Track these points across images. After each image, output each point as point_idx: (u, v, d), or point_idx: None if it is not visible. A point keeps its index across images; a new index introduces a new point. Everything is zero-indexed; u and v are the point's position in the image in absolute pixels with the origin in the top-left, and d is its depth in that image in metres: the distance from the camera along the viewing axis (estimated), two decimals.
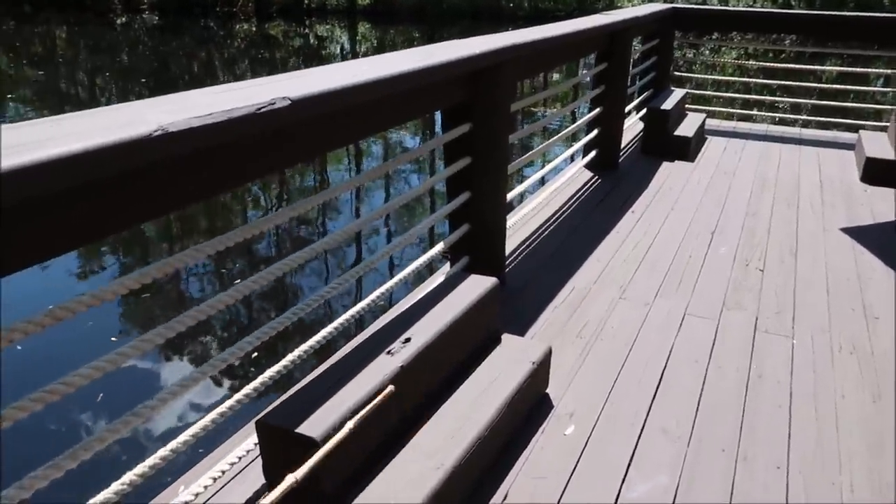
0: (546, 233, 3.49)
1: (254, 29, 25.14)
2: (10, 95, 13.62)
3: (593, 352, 2.42)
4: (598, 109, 4.43)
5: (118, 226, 1.27)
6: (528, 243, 3.35)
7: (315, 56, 20.67)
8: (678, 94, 5.47)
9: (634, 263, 3.17)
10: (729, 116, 6.63)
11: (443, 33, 24.83)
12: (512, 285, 2.92)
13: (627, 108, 5.45)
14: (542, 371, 2.09)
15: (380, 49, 22.45)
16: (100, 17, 26.28)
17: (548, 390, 2.18)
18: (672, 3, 6.66)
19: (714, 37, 13.41)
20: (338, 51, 22.06)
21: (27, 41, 22.06)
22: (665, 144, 4.97)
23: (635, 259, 3.21)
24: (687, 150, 4.93)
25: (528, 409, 2.04)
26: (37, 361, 3.48)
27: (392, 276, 2.43)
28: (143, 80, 16.27)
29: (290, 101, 1.46)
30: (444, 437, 1.67)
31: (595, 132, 4.45)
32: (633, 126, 5.52)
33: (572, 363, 2.35)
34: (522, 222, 3.54)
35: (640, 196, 4.13)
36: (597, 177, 4.45)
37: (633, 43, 4.90)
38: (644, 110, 5.34)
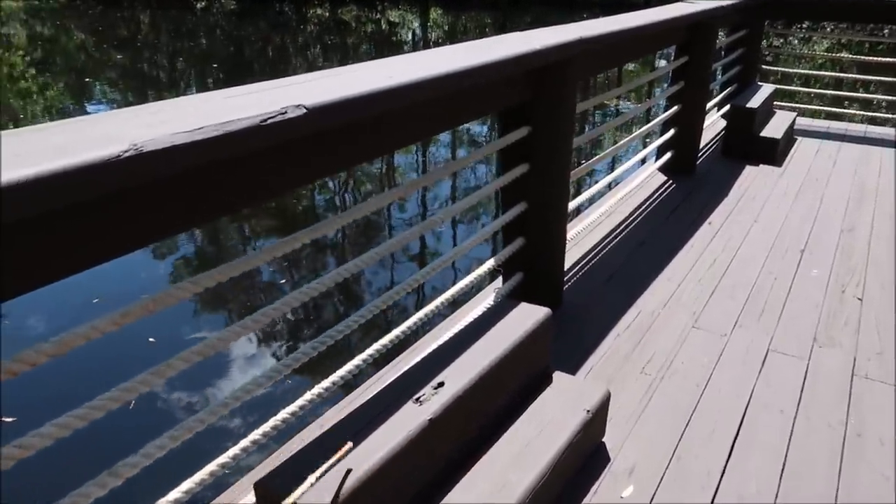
0: (611, 245, 3.18)
1: (327, 14, 25.28)
2: (93, 79, 14.17)
3: (659, 392, 2.12)
4: (675, 107, 4.05)
5: (98, 256, 1.07)
6: (590, 257, 3.05)
7: (386, 41, 20.60)
8: (766, 90, 5.00)
9: (710, 285, 2.82)
10: (821, 115, 6.07)
11: (515, 20, 24.33)
12: (570, 305, 2.63)
13: (708, 106, 5.02)
14: (598, 419, 1.82)
15: (451, 35, 22.20)
16: (181, 1, 26.97)
17: (604, 439, 1.90)
18: None
19: (805, 26, 12.49)
20: (409, 37, 21.92)
21: (112, 25, 22.85)
22: (749, 146, 4.54)
23: (711, 280, 2.87)
24: (774, 152, 4.48)
25: (580, 463, 1.78)
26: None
27: (430, 296, 2.18)
28: (216, 64, 16.58)
29: (305, 110, 1.24)
30: (479, 501, 1.43)
31: (671, 132, 4.07)
32: (714, 125, 5.09)
33: (634, 406, 2.06)
34: (585, 232, 3.23)
35: (718, 205, 3.74)
36: (671, 182, 4.08)
37: (719, 34, 4.48)
38: (727, 108, 4.90)
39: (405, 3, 27.19)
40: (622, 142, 3.56)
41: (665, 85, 4.22)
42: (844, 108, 7.07)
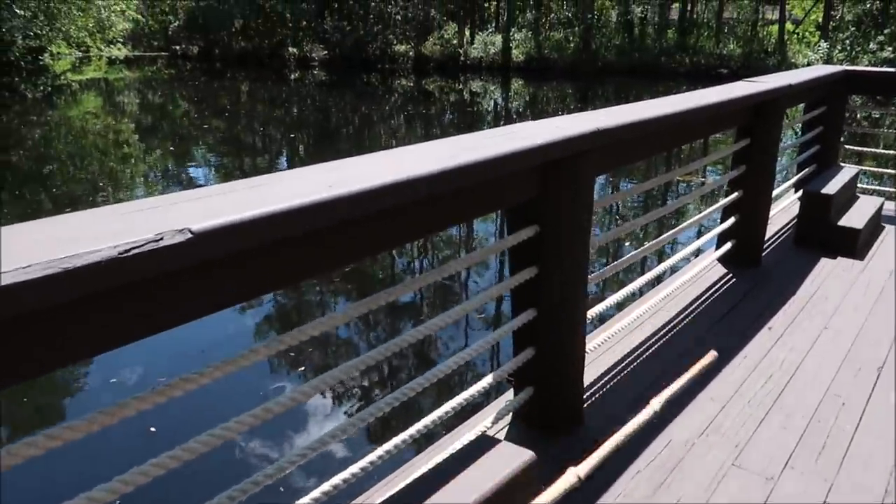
0: (647, 354, 2.81)
1: (411, 84, 26.11)
2: (194, 145, 15.16)
3: None
4: (736, 193, 3.68)
5: None
6: (621, 367, 2.70)
7: (467, 111, 20.93)
8: (848, 172, 4.53)
9: (761, 409, 2.41)
10: None
11: (597, 90, 24.28)
12: (592, 428, 2.29)
13: (783, 188, 4.60)
14: None
15: (532, 103, 22.30)
16: (276, 73, 28.65)
17: None
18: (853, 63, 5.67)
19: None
20: (491, 106, 22.21)
21: (214, 94, 24.45)
22: (826, 236, 4.07)
23: (763, 403, 2.46)
24: (854, 244, 4.00)
25: None
26: None
27: (420, 415, 1.91)
28: (306, 131, 17.38)
29: (190, 235, 1.05)
30: None
31: (731, 220, 3.69)
32: (788, 210, 4.64)
33: None
34: (619, 337, 2.88)
35: (784, 305, 3.31)
36: (731, 275, 3.67)
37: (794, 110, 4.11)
38: (800, 192, 4.46)
39: (487, 74, 27.76)
40: (668, 233, 3.22)
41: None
42: None
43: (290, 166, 13.28)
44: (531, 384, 2.24)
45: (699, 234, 4.18)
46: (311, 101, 22.79)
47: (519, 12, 31.11)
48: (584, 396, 2.42)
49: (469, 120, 19.43)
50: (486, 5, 34.61)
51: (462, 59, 28.65)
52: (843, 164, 4.95)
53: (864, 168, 5.18)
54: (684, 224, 3.40)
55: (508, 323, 2.15)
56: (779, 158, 3.96)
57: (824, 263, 3.88)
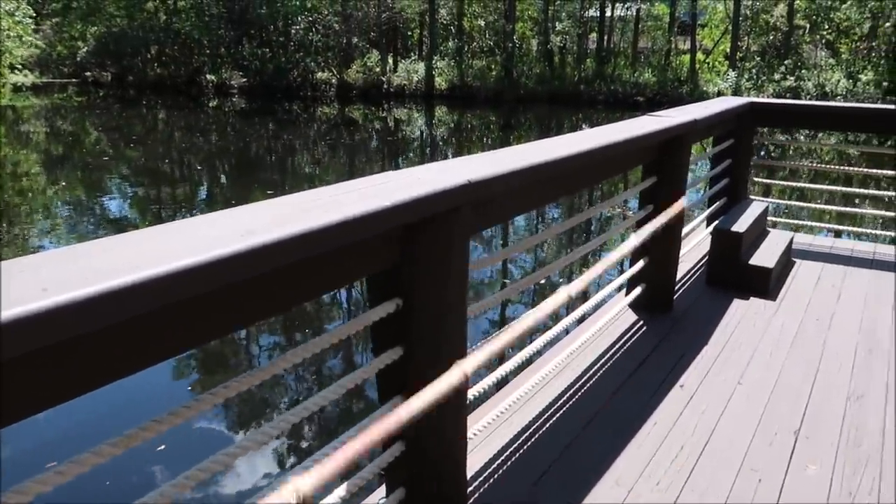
0: (546, 427, 2.49)
1: (335, 112, 25.70)
2: (107, 174, 14.35)
3: None
4: (644, 234, 3.45)
5: None
6: (513, 448, 2.36)
7: (391, 138, 20.68)
8: (757, 207, 4.42)
9: (671, 494, 2.12)
10: (823, 232, 5.46)
11: (519, 117, 24.52)
12: None
13: (693, 224, 4.44)
14: None
15: (457, 130, 22.25)
16: (193, 100, 27.70)
17: None
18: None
19: (806, 134, 12.11)
20: (416, 133, 22.04)
21: (129, 122, 23.38)
22: (737, 276, 3.91)
23: (673, 484, 2.17)
24: (766, 283, 3.85)
25: None
26: None
27: None
28: (225, 160, 16.83)
29: None
30: None
31: (641, 264, 3.46)
32: (700, 245, 4.47)
33: None
34: (511, 411, 2.55)
35: (696, 357, 3.07)
36: (642, 323, 3.43)
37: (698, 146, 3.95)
38: (705, 229, 4.32)
39: (411, 102, 27.66)
40: (566, 288, 2.93)
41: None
42: (856, 225, 6.46)
43: (210, 197, 12.76)
44: (402, 484, 1.88)
45: (600, 286, 3.81)
46: (230, 129, 22.08)
47: (442, 41, 31.28)
48: (468, 491, 2.07)
49: (394, 147, 19.21)
50: (410, 34, 34.70)
51: (385, 86, 28.48)
52: (752, 198, 4.86)
53: (772, 201, 5.11)
54: (590, 272, 3.12)
55: (380, 409, 1.79)
56: (687, 193, 3.78)
57: (737, 306, 3.69)
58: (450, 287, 1.76)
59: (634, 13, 29.08)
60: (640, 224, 3.50)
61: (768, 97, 24.54)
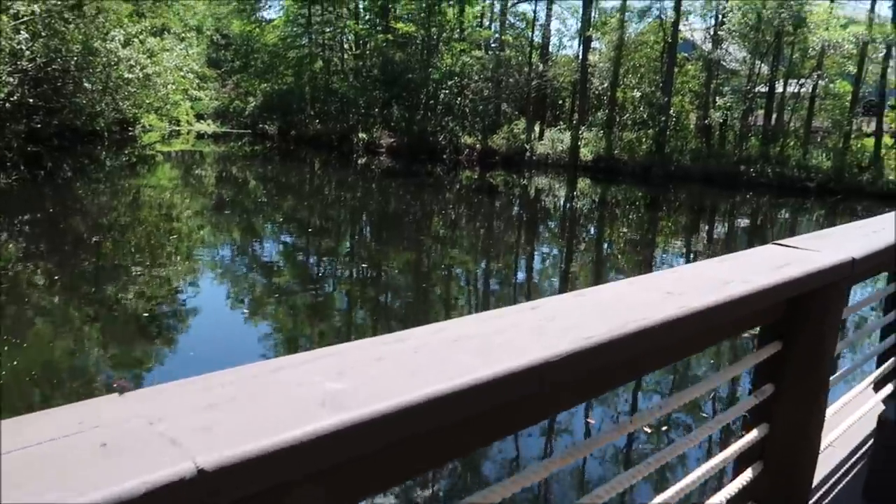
0: None
1: (475, 176, 25.55)
2: (262, 220, 15.42)
3: None
4: (759, 429, 2.28)
5: None
6: None
7: (531, 206, 20.04)
8: None
9: None
10: None
11: (668, 196, 22.90)
12: None
13: (843, 401, 3.11)
14: None
15: (602, 204, 21.15)
16: (344, 157, 28.89)
17: None
18: None
19: None
20: (557, 203, 21.26)
21: (286, 173, 24.84)
22: None
23: None
24: None
25: None
26: None
27: None
28: (367, 216, 17.52)
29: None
30: None
31: (749, 472, 2.30)
32: (854, 430, 3.13)
33: None
34: None
35: None
36: None
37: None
38: (869, 408, 2.99)
39: (552, 171, 26.90)
40: None
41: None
42: None
43: (352, 249, 12.94)
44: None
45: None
46: (375, 187, 22.60)
47: (593, 109, 30.45)
48: None
49: (534, 215, 18.57)
50: (561, 102, 34.24)
51: (528, 153, 28.01)
52: None
53: None
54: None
55: None
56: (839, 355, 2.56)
57: None
58: None
59: (810, 89, 26.50)
60: (755, 411, 2.34)
61: None
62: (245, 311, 8.35)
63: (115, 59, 24.22)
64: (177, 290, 8.75)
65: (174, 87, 28.43)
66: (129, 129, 29.86)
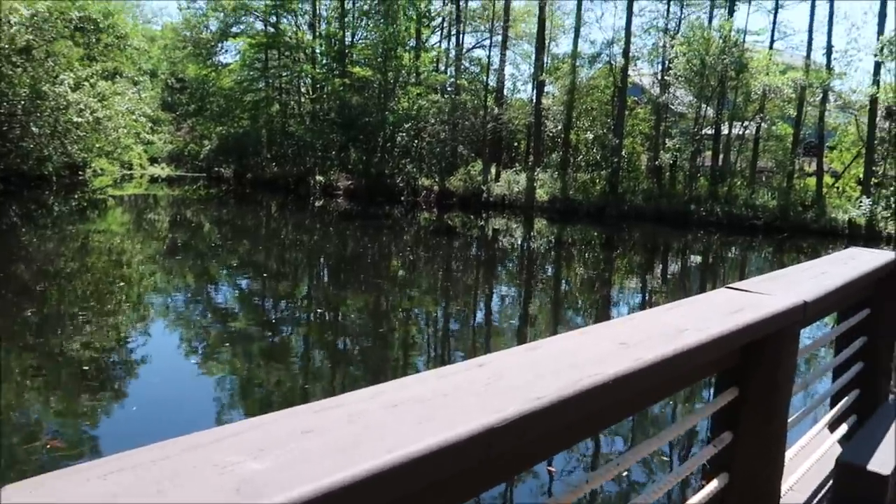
0: None
1: (433, 218, 25.65)
2: (217, 264, 15.09)
3: None
4: (719, 479, 2.26)
5: None
6: None
7: (489, 246, 20.15)
8: None
9: None
10: None
11: (623, 235, 23.33)
12: None
13: (800, 444, 3.13)
14: None
15: (559, 244, 21.40)
16: (301, 199, 28.75)
17: None
18: None
19: None
20: (514, 243, 21.42)
21: (242, 217, 24.53)
22: None
23: None
24: None
25: None
26: None
27: None
28: (324, 258, 17.37)
29: None
30: None
31: None
32: (813, 474, 3.14)
33: None
34: None
35: None
36: None
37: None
38: (826, 449, 3.01)
39: (510, 212, 27.20)
40: None
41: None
42: None
43: (310, 292, 12.63)
44: None
45: None
46: (332, 230, 22.48)
47: (548, 151, 31.06)
48: None
49: (492, 256, 18.66)
50: (516, 144, 34.86)
51: (485, 195, 28.30)
52: None
53: None
54: None
55: None
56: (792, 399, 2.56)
57: None
58: None
59: (753, 131, 27.61)
60: (714, 461, 2.32)
61: None
62: (197, 359, 8.08)
63: (65, 103, 23.80)
64: (126, 339, 8.43)
65: (126, 131, 28.05)
66: (80, 173, 29.23)
